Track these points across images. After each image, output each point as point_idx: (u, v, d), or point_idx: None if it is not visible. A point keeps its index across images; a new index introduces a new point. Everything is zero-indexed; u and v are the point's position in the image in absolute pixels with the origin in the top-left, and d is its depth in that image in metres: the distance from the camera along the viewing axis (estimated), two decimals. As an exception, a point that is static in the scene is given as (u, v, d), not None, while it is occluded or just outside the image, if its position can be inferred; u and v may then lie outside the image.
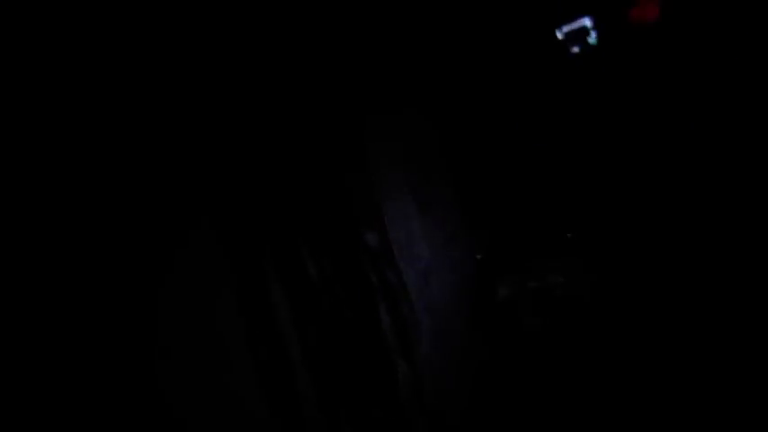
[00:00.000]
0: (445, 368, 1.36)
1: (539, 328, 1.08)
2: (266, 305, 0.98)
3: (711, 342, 1.25)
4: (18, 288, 0.74)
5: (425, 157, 1.38)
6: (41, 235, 0.77)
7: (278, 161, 1.01)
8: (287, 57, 1.14)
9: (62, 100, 0.82)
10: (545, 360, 1.13)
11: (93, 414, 0.77)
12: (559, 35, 1.37)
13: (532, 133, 1.37)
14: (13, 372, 0.72)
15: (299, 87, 1.10)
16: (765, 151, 1.34)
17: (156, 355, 0.83)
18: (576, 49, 1.35)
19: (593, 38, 1.33)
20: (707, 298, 1.22)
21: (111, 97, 0.87)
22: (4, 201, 0.73)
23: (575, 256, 1.11)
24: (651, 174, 1.26)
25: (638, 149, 1.30)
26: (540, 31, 1.41)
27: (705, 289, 1.22)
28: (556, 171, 1.29)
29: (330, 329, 1.08)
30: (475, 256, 1.33)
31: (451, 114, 1.43)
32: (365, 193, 1.19)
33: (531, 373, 1.19)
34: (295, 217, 1.03)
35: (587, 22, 1.33)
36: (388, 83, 1.30)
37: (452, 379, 1.39)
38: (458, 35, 1.47)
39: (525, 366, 1.16)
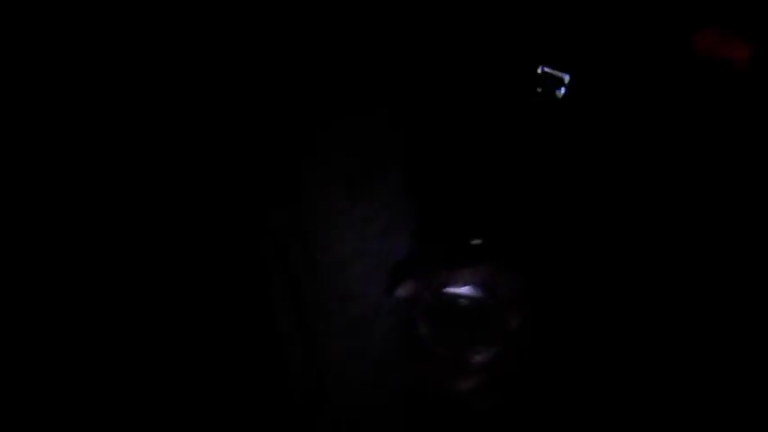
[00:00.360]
0: (360, 367, 1.28)
1: (431, 341, 0.97)
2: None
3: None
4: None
5: (369, 139, 1.29)
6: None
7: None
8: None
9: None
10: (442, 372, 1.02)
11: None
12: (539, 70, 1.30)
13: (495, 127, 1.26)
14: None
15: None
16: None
17: None
18: (539, 90, 1.28)
19: (562, 91, 1.26)
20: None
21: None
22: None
23: (491, 264, 1.00)
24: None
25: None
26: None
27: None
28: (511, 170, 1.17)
29: (211, 307, 0.99)
30: (415, 250, 1.24)
31: (410, 103, 1.33)
32: (277, 169, 1.10)
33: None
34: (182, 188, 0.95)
35: (566, 77, 1.26)
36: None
37: (369, 380, 1.31)
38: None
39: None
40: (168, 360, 0.94)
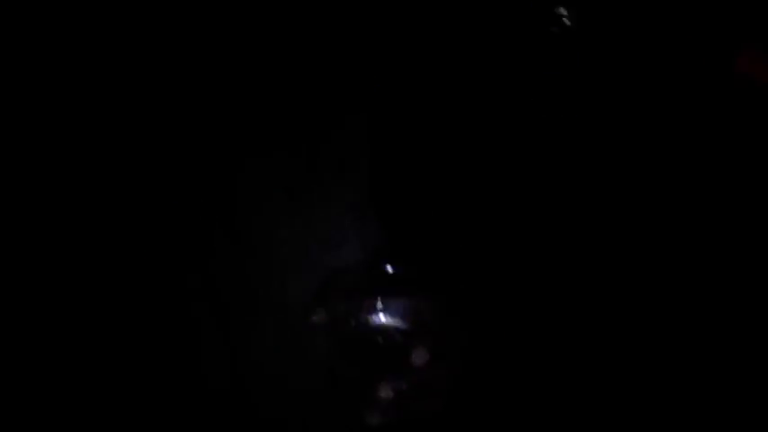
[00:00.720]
0: (285, 372, 1.23)
1: (341, 370, 0.91)
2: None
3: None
4: None
5: (322, 141, 1.23)
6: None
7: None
8: None
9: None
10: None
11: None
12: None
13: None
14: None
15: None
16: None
17: None
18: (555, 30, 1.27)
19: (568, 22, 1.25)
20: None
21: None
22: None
23: (412, 296, 0.94)
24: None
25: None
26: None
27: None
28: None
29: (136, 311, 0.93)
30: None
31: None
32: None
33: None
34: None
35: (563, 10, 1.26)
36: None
37: (296, 387, 1.27)
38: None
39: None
40: (79, 354, 0.89)
